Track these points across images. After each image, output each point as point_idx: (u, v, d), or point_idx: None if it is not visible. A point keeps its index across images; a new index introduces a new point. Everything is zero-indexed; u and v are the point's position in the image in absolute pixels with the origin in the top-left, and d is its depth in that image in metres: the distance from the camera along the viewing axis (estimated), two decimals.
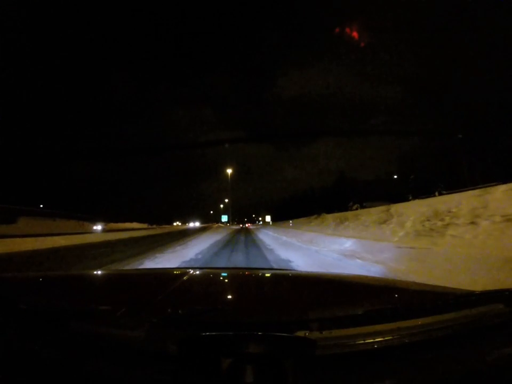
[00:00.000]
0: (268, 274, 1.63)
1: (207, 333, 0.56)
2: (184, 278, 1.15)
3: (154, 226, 44.05)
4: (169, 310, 0.74)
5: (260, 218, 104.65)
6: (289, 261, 6.42)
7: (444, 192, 14.07)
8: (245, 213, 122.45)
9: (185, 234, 17.62)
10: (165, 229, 31.07)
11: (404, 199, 15.43)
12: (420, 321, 0.65)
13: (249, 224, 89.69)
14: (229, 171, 43.20)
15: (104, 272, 2.35)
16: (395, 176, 31.30)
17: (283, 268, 5.24)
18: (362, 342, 0.57)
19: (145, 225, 44.26)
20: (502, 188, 5.72)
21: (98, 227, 28.29)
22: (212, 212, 73.17)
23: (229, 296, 0.97)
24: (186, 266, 5.82)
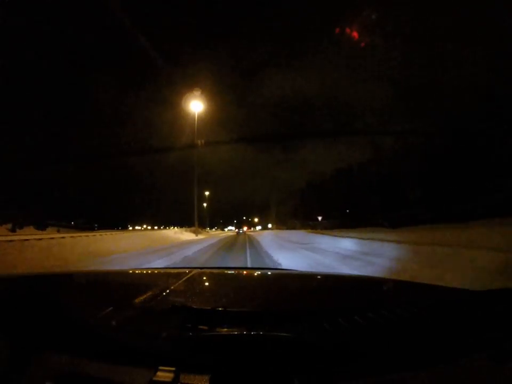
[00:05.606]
0: (268, 274, 1.63)
1: (208, 334, 0.55)
2: (185, 278, 1.15)
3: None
4: (169, 310, 0.71)
5: (256, 220, 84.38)
6: None
7: None
8: (234, 215, 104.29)
9: None
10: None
11: None
12: (421, 321, 0.65)
13: (247, 228, 71.14)
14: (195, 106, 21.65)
15: (101, 271, 2.35)
16: None
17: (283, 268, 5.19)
18: (364, 344, 0.56)
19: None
20: None
21: None
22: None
23: (230, 297, 0.96)
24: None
